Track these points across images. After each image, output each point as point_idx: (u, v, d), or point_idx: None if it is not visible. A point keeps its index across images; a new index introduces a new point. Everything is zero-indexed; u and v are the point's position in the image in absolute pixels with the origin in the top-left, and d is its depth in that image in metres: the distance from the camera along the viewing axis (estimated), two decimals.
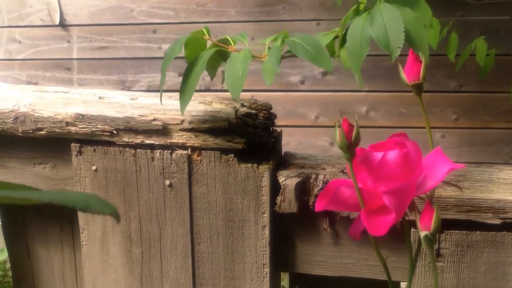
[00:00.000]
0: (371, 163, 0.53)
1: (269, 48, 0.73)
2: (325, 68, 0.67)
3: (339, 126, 0.54)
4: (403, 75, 0.58)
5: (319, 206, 0.57)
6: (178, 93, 0.77)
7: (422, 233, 0.52)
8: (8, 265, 2.42)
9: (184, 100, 0.68)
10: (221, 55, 0.73)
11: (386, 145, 0.55)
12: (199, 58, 0.70)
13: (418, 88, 0.59)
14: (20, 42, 2.49)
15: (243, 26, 2.29)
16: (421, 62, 0.58)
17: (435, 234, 0.52)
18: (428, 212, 0.52)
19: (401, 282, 0.75)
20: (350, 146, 0.54)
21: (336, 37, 0.87)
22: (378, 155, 0.53)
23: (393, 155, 0.53)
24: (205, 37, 0.74)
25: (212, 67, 0.76)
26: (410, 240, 0.58)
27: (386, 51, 0.65)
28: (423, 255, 0.69)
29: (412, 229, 0.65)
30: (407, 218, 0.58)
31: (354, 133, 0.54)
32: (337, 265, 0.74)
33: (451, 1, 2.02)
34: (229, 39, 0.75)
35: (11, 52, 2.50)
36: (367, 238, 0.69)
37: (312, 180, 0.71)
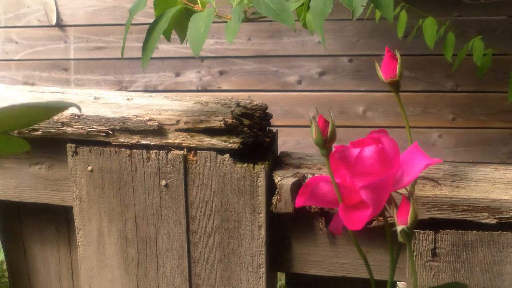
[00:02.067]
0: (348, 159, 0.54)
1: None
2: (288, 25, 0.67)
3: (315, 124, 0.55)
4: (380, 73, 0.59)
5: (299, 202, 0.58)
6: (174, 93, 0.77)
7: (399, 227, 0.52)
8: (5, 266, 2.41)
9: (145, 55, 0.70)
10: (188, 14, 0.74)
11: (365, 142, 0.55)
12: (164, 15, 0.71)
13: (395, 86, 0.59)
14: (17, 42, 2.49)
15: (241, 26, 2.29)
16: (397, 59, 0.58)
17: (412, 228, 0.52)
18: (404, 206, 0.52)
19: (397, 282, 0.75)
20: (325, 142, 0.55)
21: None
22: (355, 151, 0.54)
23: (369, 151, 0.54)
24: None
25: (180, 27, 0.77)
26: (391, 236, 0.58)
27: (349, 8, 0.66)
28: (419, 255, 0.69)
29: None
30: (387, 215, 0.58)
31: (329, 129, 0.55)
32: (333, 265, 0.74)
33: (448, 1, 2.03)
34: None
35: (8, 52, 2.50)
36: (362, 238, 0.69)
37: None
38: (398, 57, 0.58)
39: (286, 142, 2.29)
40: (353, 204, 0.55)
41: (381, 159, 0.54)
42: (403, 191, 0.58)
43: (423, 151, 0.55)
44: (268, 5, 0.68)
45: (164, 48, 2.35)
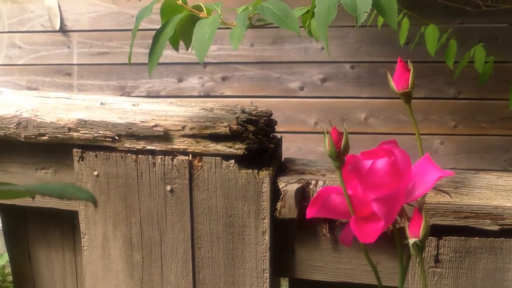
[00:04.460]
0: (360, 171, 0.54)
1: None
2: (293, 30, 0.68)
3: (327, 133, 0.55)
4: (392, 83, 0.59)
5: (310, 213, 0.58)
6: (179, 99, 0.78)
7: (411, 240, 0.52)
8: (7, 270, 2.42)
9: (152, 61, 0.71)
10: (194, 21, 0.74)
11: (376, 153, 0.55)
12: (170, 22, 0.71)
13: (407, 96, 0.59)
14: (20, 47, 2.50)
15: None
16: (409, 70, 0.58)
17: (424, 241, 0.52)
18: (417, 219, 0.52)
19: None
20: (339, 155, 0.55)
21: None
22: (368, 163, 0.54)
23: (381, 163, 0.53)
24: (178, 1, 0.76)
25: (186, 34, 0.77)
26: (401, 247, 0.59)
27: (353, 14, 0.66)
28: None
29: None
30: (397, 225, 0.59)
31: (343, 142, 0.54)
32: (337, 271, 0.74)
33: (450, 8, 2.04)
34: (203, 6, 0.76)
35: (12, 57, 2.51)
36: (367, 244, 0.69)
37: (312, 186, 0.71)
38: (411, 68, 0.58)
39: (288, 148, 2.30)
40: (365, 216, 0.54)
41: (393, 171, 0.53)
42: (414, 202, 0.58)
43: (434, 163, 0.55)
44: (273, 11, 0.69)
45: (167, 54, 2.35)
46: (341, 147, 0.54)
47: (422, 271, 0.57)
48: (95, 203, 0.38)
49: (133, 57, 2.37)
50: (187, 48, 0.78)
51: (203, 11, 0.76)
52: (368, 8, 0.66)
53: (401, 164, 0.54)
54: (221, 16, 0.74)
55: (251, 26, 0.75)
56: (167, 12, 0.75)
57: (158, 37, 0.72)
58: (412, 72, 0.58)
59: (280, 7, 0.69)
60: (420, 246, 0.52)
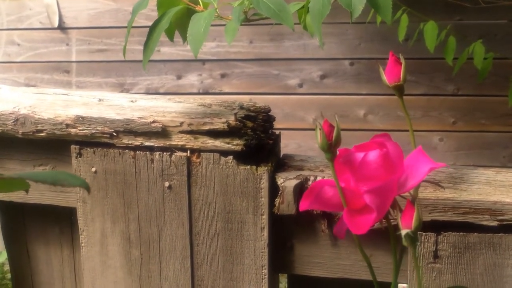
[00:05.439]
0: (353, 163, 0.55)
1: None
2: (287, 25, 0.68)
3: (320, 128, 0.55)
4: (384, 77, 0.59)
5: (303, 205, 0.58)
6: (177, 96, 0.78)
7: (404, 231, 0.53)
8: (5, 268, 2.41)
9: (146, 55, 0.71)
10: (190, 14, 0.74)
11: (369, 146, 0.56)
12: (165, 14, 0.71)
13: (399, 90, 0.60)
14: (19, 44, 2.49)
15: (241, 29, 2.30)
16: (401, 64, 0.59)
17: (416, 232, 0.52)
18: (409, 211, 0.53)
19: (398, 284, 0.75)
20: (330, 146, 0.55)
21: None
22: (360, 155, 0.54)
23: (373, 155, 0.54)
24: None
25: (182, 27, 0.77)
26: (394, 239, 0.59)
27: (347, 9, 0.66)
28: (421, 257, 0.69)
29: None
30: (390, 218, 0.59)
31: (334, 134, 0.55)
32: (335, 267, 0.74)
33: (449, 5, 2.03)
34: None
35: (10, 54, 2.50)
36: (364, 240, 0.69)
37: (310, 182, 0.71)
38: (402, 61, 0.59)
39: (287, 145, 2.30)
40: (358, 208, 0.55)
41: (385, 163, 0.54)
42: (407, 195, 0.58)
43: (427, 155, 0.55)
44: (267, 5, 0.69)
45: (166, 51, 2.35)
46: (333, 139, 0.55)
47: (416, 263, 0.57)
48: (88, 189, 0.38)
49: (132, 54, 2.37)
50: (183, 41, 0.78)
51: (200, 5, 0.76)
52: (363, 3, 0.66)
53: (393, 156, 0.55)
54: (217, 10, 0.74)
55: (247, 20, 0.75)
56: (163, 5, 0.75)
57: (153, 30, 0.72)
58: (403, 65, 0.58)
59: (275, 1, 0.69)
60: (413, 237, 0.52)
